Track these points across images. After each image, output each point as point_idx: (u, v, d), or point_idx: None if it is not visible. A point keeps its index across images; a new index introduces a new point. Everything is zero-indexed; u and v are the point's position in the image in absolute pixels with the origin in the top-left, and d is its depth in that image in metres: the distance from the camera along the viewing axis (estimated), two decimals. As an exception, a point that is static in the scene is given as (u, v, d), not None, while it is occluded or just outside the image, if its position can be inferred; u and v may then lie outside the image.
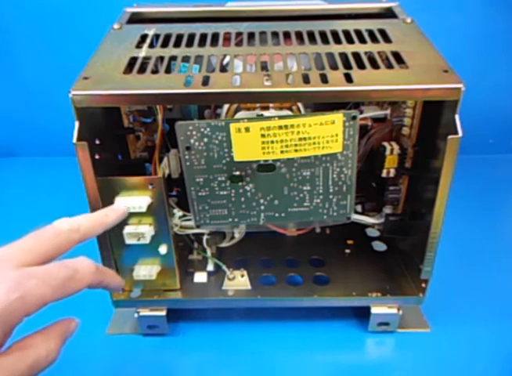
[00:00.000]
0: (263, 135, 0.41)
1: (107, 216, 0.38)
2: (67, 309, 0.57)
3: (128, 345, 0.53)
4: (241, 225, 0.50)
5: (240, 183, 0.44)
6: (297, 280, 0.54)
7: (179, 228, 0.50)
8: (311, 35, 0.48)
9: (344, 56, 0.44)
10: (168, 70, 0.43)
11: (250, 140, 0.41)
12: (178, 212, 0.50)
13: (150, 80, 0.41)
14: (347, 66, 0.42)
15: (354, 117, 0.41)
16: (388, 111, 0.51)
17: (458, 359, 0.51)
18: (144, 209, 0.44)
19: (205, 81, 0.40)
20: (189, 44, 0.47)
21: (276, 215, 0.46)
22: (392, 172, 0.51)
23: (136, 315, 0.52)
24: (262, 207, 0.46)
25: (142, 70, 0.42)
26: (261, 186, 0.45)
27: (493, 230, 0.71)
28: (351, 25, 0.50)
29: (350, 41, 0.47)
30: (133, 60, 0.44)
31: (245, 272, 0.54)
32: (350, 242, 0.60)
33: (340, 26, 0.50)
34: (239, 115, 0.46)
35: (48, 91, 0.85)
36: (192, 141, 0.42)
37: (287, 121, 0.41)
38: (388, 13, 0.54)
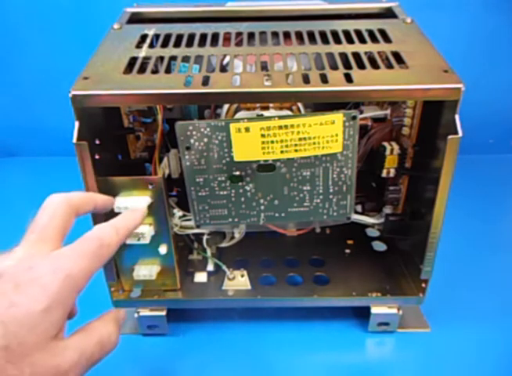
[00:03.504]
0: (263, 135, 0.41)
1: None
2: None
3: (128, 345, 0.53)
4: (241, 225, 0.50)
5: (240, 183, 0.44)
6: (297, 280, 0.54)
7: (179, 228, 0.50)
8: (311, 35, 0.48)
9: (344, 56, 0.44)
10: (168, 70, 0.43)
11: (250, 140, 0.41)
12: (178, 212, 0.50)
13: (150, 80, 0.41)
14: (347, 66, 0.42)
15: (354, 117, 0.41)
16: (388, 111, 0.51)
17: (458, 359, 0.51)
18: (144, 209, 0.44)
19: (205, 81, 0.40)
20: (189, 44, 0.47)
21: (276, 215, 0.46)
22: (392, 172, 0.51)
23: (136, 315, 0.52)
24: (262, 207, 0.46)
25: (142, 70, 0.42)
26: (261, 186, 0.45)
27: (493, 230, 0.71)
28: (351, 25, 0.50)
29: (350, 41, 0.47)
30: (133, 60, 0.44)
31: (245, 272, 0.54)
32: (350, 242, 0.60)
33: (340, 26, 0.50)
34: (239, 115, 0.46)
35: (48, 91, 0.85)
36: (192, 141, 0.42)
37: (287, 121, 0.41)
38: (388, 13, 0.54)
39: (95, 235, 0.32)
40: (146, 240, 0.46)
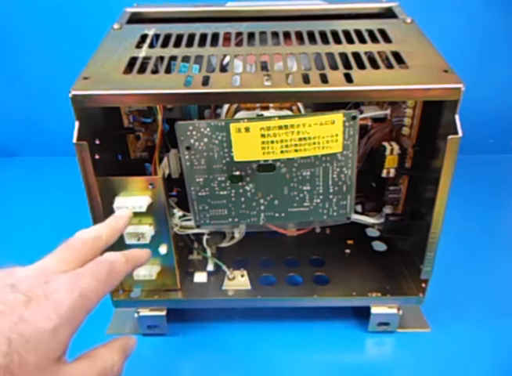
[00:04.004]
0: (263, 135, 0.41)
1: (118, 222, 0.38)
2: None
3: (128, 345, 0.53)
4: (241, 225, 0.50)
5: (240, 183, 0.44)
6: (297, 280, 0.54)
7: (179, 228, 0.50)
8: (311, 35, 0.48)
9: (344, 55, 0.44)
10: (168, 70, 0.43)
11: (250, 140, 0.41)
12: (178, 212, 0.50)
13: (150, 80, 0.41)
14: (347, 66, 0.42)
15: (354, 117, 0.41)
16: (388, 111, 0.51)
17: (458, 359, 0.51)
18: (144, 209, 0.44)
19: (205, 81, 0.40)
20: (189, 44, 0.47)
21: (276, 215, 0.46)
22: (392, 172, 0.51)
23: (136, 315, 0.52)
24: (262, 207, 0.46)
25: (142, 70, 0.42)
26: (261, 186, 0.45)
27: (493, 230, 0.71)
28: (351, 25, 0.50)
29: (350, 41, 0.47)
30: (133, 60, 0.44)
31: (245, 272, 0.54)
32: (350, 242, 0.60)
33: (340, 26, 0.50)
34: (239, 115, 0.46)
35: (48, 91, 0.85)
36: (192, 141, 0.42)
37: (287, 121, 0.41)
38: (388, 13, 0.54)
39: (108, 259, 0.32)
40: (146, 240, 0.46)
